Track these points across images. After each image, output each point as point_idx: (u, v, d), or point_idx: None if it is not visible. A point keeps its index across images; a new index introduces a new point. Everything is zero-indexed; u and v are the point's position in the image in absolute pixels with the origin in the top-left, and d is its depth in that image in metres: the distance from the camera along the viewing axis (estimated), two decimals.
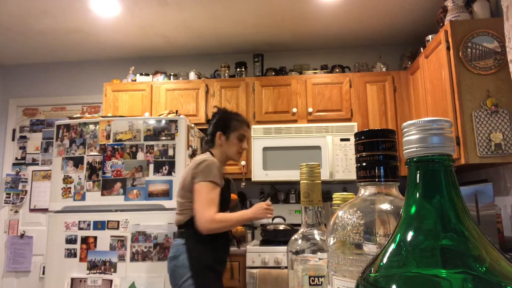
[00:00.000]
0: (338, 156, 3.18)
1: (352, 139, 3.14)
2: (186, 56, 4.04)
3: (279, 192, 3.59)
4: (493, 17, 2.53)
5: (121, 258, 2.46)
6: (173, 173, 2.52)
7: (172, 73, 3.79)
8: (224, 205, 1.96)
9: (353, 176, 3.14)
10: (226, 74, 3.69)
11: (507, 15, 2.22)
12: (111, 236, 2.49)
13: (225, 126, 2.04)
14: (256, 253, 2.81)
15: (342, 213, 0.45)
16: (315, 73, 3.57)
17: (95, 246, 2.50)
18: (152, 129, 2.59)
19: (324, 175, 3.15)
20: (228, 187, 2.07)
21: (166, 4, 3.05)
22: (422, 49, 3.11)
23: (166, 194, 2.50)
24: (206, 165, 1.88)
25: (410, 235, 0.32)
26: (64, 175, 2.64)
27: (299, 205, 3.41)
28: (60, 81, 4.15)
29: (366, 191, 0.45)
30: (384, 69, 3.54)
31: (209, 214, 1.80)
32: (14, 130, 4.11)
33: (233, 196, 2.35)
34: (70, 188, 2.62)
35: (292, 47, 3.88)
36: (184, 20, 3.29)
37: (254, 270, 2.74)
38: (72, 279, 2.48)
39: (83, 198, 2.59)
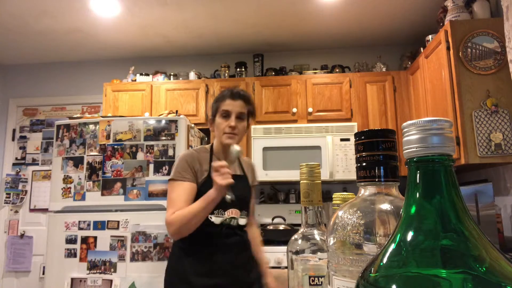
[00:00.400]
0: (338, 156, 3.18)
1: (352, 139, 3.14)
2: (186, 56, 4.04)
3: (279, 192, 3.58)
4: (493, 17, 2.53)
5: (121, 258, 2.45)
6: None
7: (172, 73, 3.79)
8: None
9: (353, 176, 3.13)
10: (226, 74, 3.69)
11: (507, 15, 2.22)
12: (111, 236, 2.49)
13: (212, 111, 1.76)
14: None
15: (342, 213, 0.45)
16: (315, 73, 3.57)
17: (95, 246, 2.50)
18: (152, 129, 2.59)
19: (324, 175, 3.14)
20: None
21: (166, 4, 3.05)
22: (422, 49, 3.11)
23: (166, 194, 2.50)
24: (175, 162, 1.70)
25: (410, 235, 0.32)
26: (64, 175, 2.64)
27: (299, 205, 3.41)
28: (60, 81, 4.15)
29: (366, 191, 0.45)
30: (384, 69, 3.54)
31: (165, 218, 1.56)
32: (14, 130, 4.11)
33: None
34: (70, 188, 2.62)
35: (292, 47, 3.88)
36: (184, 20, 3.29)
37: None
38: (72, 279, 2.48)
39: (83, 198, 2.59)
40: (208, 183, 1.56)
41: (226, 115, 1.67)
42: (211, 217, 1.60)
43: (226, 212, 1.63)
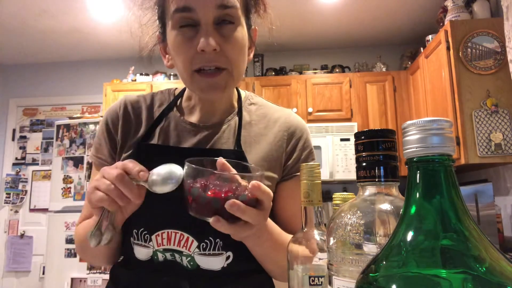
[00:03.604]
0: (338, 156, 3.18)
1: (352, 139, 3.14)
2: None
3: None
4: (493, 17, 2.53)
5: None
6: None
7: (172, 73, 3.79)
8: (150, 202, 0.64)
9: (353, 176, 3.13)
10: None
11: (507, 15, 2.22)
12: None
13: (157, 13, 0.82)
14: None
15: (342, 213, 0.45)
16: (315, 73, 3.57)
17: None
18: None
19: (324, 175, 3.14)
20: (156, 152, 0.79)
21: None
22: (422, 49, 3.11)
23: None
24: None
25: (410, 235, 0.32)
26: (64, 175, 2.64)
27: None
28: (60, 81, 4.14)
29: (366, 191, 0.45)
30: (384, 69, 3.54)
31: None
32: (14, 130, 4.11)
33: None
34: (70, 188, 2.62)
35: (292, 47, 3.87)
36: None
37: None
38: (72, 279, 2.48)
39: (83, 198, 2.59)
40: (143, 151, 0.77)
41: (190, 23, 0.71)
42: (133, 246, 0.75)
43: (154, 237, 0.72)
